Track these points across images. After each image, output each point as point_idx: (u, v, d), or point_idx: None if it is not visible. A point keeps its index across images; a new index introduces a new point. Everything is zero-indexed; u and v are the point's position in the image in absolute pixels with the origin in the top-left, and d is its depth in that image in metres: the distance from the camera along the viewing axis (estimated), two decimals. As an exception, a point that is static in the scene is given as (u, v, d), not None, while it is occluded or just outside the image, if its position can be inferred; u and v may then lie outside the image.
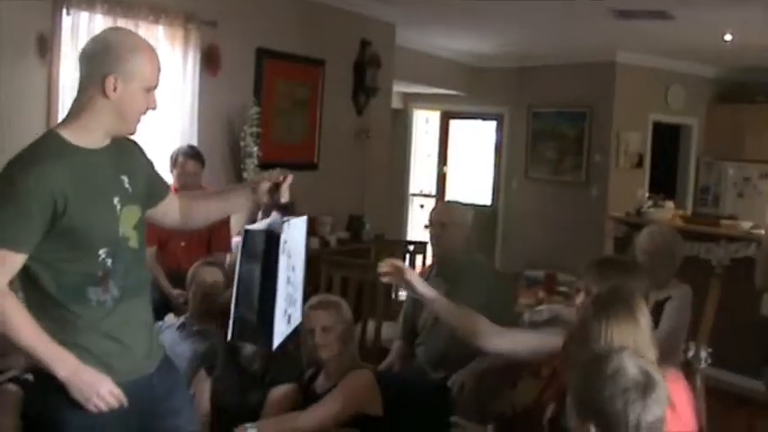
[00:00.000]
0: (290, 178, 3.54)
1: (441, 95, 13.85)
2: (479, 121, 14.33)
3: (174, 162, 6.56)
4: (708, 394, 6.14)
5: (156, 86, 3.16)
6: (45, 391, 3.07)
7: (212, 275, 5.13)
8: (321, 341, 4.37)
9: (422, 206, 14.72)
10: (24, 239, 2.91)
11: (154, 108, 3.19)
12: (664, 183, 12.62)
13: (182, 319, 5.21)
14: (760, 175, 12.23)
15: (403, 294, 7.26)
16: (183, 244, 6.49)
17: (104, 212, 3.09)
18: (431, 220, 5.43)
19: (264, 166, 7.96)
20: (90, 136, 3.08)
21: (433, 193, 14.63)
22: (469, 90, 13.57)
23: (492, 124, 13.95)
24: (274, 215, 3.25)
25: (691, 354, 5.89)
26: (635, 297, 3.37)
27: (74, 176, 2.98)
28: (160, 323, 5.14)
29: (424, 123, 14.88)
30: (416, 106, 14.62)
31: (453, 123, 14.66)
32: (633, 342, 3.22)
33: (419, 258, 8.18)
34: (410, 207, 14.73)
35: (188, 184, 6.49)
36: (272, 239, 3.08)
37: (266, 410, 4.39)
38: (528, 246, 12.22)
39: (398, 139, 13.71)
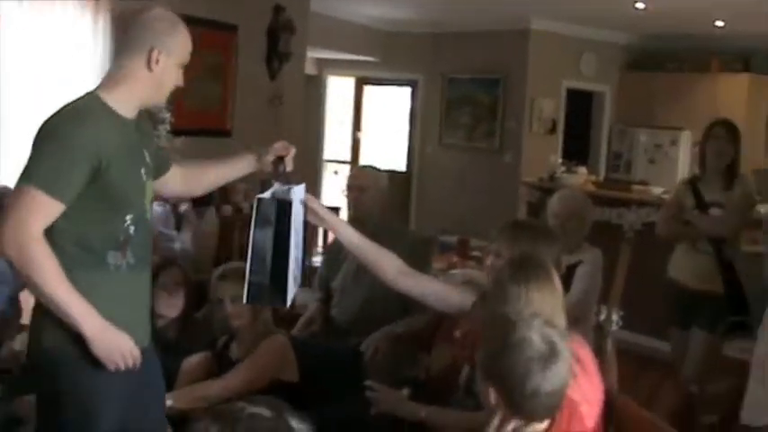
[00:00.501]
0: (293, 150, 3.65)
1: (355, 61, 13.76)
2: (394, 88, 14.27)
3: None
4: (618, 356, 6.22)
5: (185, 64, 3.32)
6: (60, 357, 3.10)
7: None
8: (232, 311, 4.33)
9: (336, 172, 14.68)
10: (67, 190, 2.96)
11: (181, 85, 3.33)
12: (577, 149, 12.71)
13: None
14: (671, 142, 12.37)
15: (316, 260, 7.23)
16: None
17: (136, 180, 3.19)
18: (348, 185, 5.38)
19: (177, 132, 7.88)
20: (126, 105, 3.17)
21: (348, 159, 14.58)
22: (384, 56, 13.51)
23: (407, 90, 13.91)
24: (276, 185, 3.46)
25: (602, 317, 5.94)
26: (548, 263, 3.39)
27: (116, 140, 3.07)
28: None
29: (339, 89, 14.78)
30: (331, 72, 14.53)
31: (368, 89, 14.59)
32: (550, 307, 3.24)
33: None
34: (324, 173, 14.66)
35: None
36: (283, 206, 3.30)
37: (180, 379, 4.33)
38: (442, 211, 12.23)
39: (313, 105, 13.65)
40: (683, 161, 12.18)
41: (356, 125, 14.65)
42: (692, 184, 5.85)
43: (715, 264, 5.61)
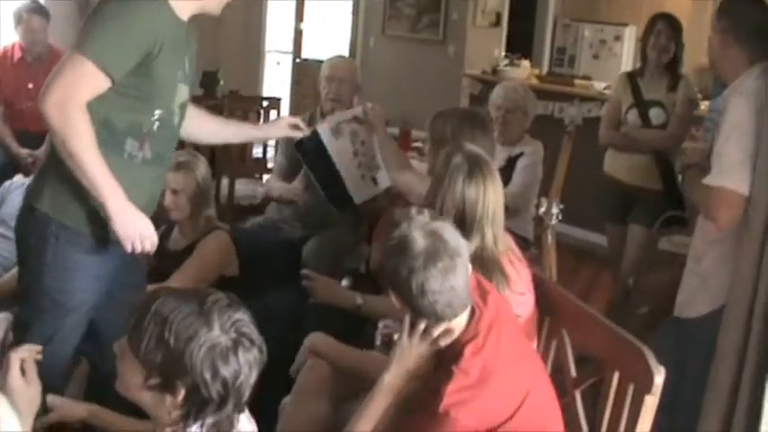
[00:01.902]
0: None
1: (298, -51, 13.51)
2: (337, -23, 14.07)
3: (19, 19, 6.28)
4: (558, 249, 6.28)
5: None
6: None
7: None
8: (171, 204, 4.29)
9: (278, 63, 14.52)
10: (119, 69, 3.00)
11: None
12: (521, 43, 12.62)
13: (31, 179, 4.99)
14: (615, 37, 12.36)
15: (257, 151, 7.16)
16: (30, 104, 6.23)
17: (174, 77, 3.23)
18: (328, 76, 5.34)
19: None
20: (185, 5, 3.21)
21: (290, 50, 14.40)
22: (328, -56, 13.29)
23: (350, -20, 13.73)
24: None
25: (542, 210, 5.99)
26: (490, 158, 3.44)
27: (170, 33, 3.12)
28: (8, 182, 4.98)
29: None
30: (274, -40, 14.27)
31: (311, -22, 14.36)
32: (500, 200, 3.33)
33: (273, 114, 8.05)
34: (266, 64, 14.48)
35: (35, 42, 6.27)
36: (314, 137, 4.66)
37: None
38: (385, 104, 12.05)
39: (254, -6, 13.42)
40: (627, 57, 12.17)
41: (298, 15, 14.43)
42: (632, 79, 5.80)
43: (652, 160, 5.62)
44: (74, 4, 7.72)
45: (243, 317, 2.19)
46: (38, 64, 6.27)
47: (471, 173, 3.26)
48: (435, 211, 2.95)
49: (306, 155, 4.89)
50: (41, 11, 6.34)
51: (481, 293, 2.79)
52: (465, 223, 3.21)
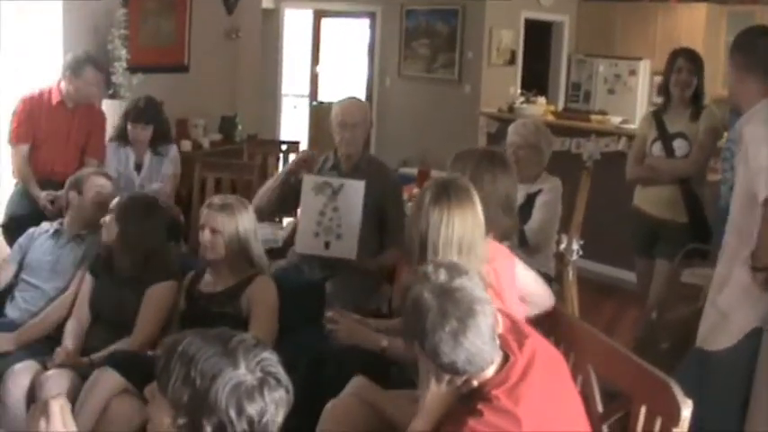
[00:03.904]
0: None
1: (312, -6, 13.63)
2: (352, 20, 14.15)
3: (77, 70, 6.26)
4: (579, 285, 6.27)
5: None
6: None
7: (108, 187, 4.96)
8: (207, 243, 4.30)
9: (295, 107, 14.62)
10: None
11: None
12: (536, 80, 12.70)
13: (55, 225, 5.02)
14: (629, 72, 12.40)
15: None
16: (61, 148, 6.30)
17: None
18: (341, 122, 5.27)
19: (134, 69, 7.78)
20: None
21: (306, 93, 14.49)
22: (342, -12, 13.40)
23: (365, 22, 13.79)
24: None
25: (563, 246, 5.99)
26: (469, 184, 3.40)
27: None
28: (32, 229, 5.01)
29: (296, 23, 14.62)
30: (288, 5, 14.36)
31: (325, 22, 14.45)
32: (471, 231, 3.27)
33: (292, 157, 8.10)
34: (283, 107, 14.57)
35: (88, 95, 6.33)
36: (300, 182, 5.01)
37: (143, 308, 4.35)
38: (402, 144, 12.20)
39: (270, 39, 13.50)
40: (642, 91, 12.22)
41: (314, 59, 14.53)
42: (657, 116, 5.84)
43: (679, 193, 5.63)
44: (94, 53, 7.82)
45: (269, 356, 2.20)
46: (76, 110, 6.30)
47: (437, 198, 3.26)
48: (456, 263, 2.91)
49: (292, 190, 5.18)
50: (98, 64, 6.39)
51: (517, 337, 2.78)
52: (427, 250, 3.22)
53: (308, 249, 5.09)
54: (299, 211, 5.26)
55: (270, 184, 5.45)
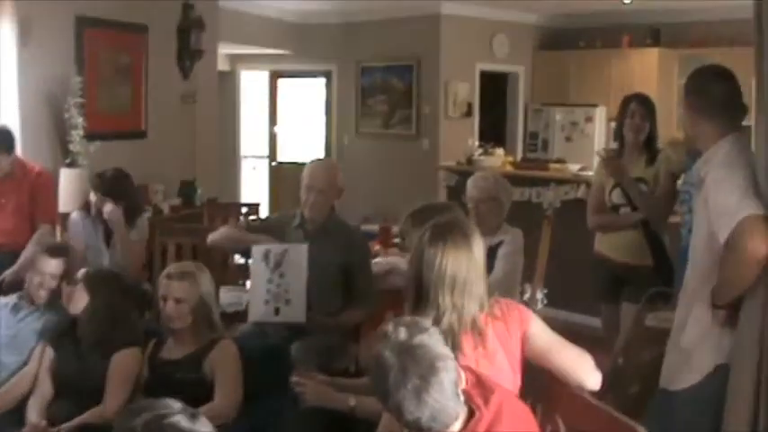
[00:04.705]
0: None
1: (268, 55, 13.65)
2: (308, 79, 14.20)
3: None
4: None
5: None
6: None
7: (57, 268, 4.87)
8: (173, 313, 4.28)
9: (254, 168, 14.61)
10: None
11: None
12: (494, 131, 12.80)
13: (14, 298, 4.98)
14: (586, 119, 12.49)
15: (238, 258, 7.18)
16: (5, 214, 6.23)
17: None
18: (308, 185, 5.26)
19: (91, 136, 7.77)
20: None
21: (265, 154, 14.49)
22: (296, 48, 13.42)
23: (321, 81, 13.87)
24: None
25: (527, 296, 5.99)
26: (471, 228, 3.39)
27: None
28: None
29: (253, 84, 14.66)
30: (244, 67, 14.42)
31: (282, 82, 14.48)
32: (466, 271, 3.24)
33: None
34: (242, 169, 14.57)
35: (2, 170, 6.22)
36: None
37: (110, 375, 4.31)
38: (363, 201, 12.18)
39: (227, 102, 13.54)
40: (599, 137, 12.31)
41: (272, 119, 14.55)
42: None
43: (642, 237, 5.65)
44: (50, 121, 7.79)
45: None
46: (9, 180, 6.21)
47: (432, 238, 3.25)
48: (422, 320, 2.88)
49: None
50: (7, 148, 6.29)
51: (482, 392, 2.76)
52: (422, 290, 3.22)
53: (259, 317, 5.09)
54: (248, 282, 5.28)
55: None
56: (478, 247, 3.32)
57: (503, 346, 3.31)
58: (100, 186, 6.13)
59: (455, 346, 3.13)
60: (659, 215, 5.69)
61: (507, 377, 3.29)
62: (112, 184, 6.13)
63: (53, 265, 4.85)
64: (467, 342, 3.20)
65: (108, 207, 5.96)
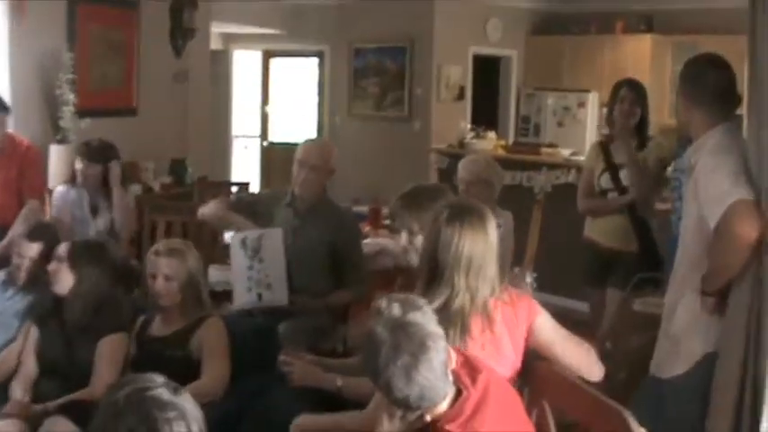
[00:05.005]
0: None
1: (261, 35, 13.59)
2: (301, 60, 14.20)
3: None
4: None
5: None
6: None
7: (36, 251, 4.85)
8: (162, 290, 4.28)
9: (246, 147, 14.60)
10: None
11: None
12: (486, 114, 12.77)
13: (2, 275, 4.98)
14: (578, 104, 12.49)
15: (228, 237, 7.18)
16: None
17: None
18: (300, 160, 5.26)
19: (82, 113, 7.75)
20: None
21: (257, 134, 14.47)
22: (289, 28, 13.36)
23: (314, 62, 13.84)
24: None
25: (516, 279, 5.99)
26: (487, 211, 3.40)
27: None
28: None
29: (245, 63, 14.62)
30: (236, 46, 14.37)
31: (274, 62, 14.46)
32: (482, 253, 3.26)
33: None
34: (234, 148, 14.56)
35: None
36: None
37: (98, 361, 4.28)
38: (354, 182, 12.16)
39: (219, 81, 13.49)
40: (591, 123, 12.31)
41: (264, 99, 14.53)
42: (603, 146, 5.89)
43: (629, 222, 5.67)
44: (41, 97, 7.76)
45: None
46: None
47: (449, 218, 3.26)
48: (416, 298, 2.89)
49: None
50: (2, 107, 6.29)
51: (470, 372, 2.77)
52: (437, 269, 3.23)
53: (243, 304, 5.13)
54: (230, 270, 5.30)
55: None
56: (493, 230, 3.34)
57: (509, 332, 3.33)
58: (86, 153, 6.14)
59: (464, 328, 3.18)
60: (648, 197, 5.70)
61: (509, 362, 3.33)
62: (99, 152, 6.19)
63: (33, 249, 4.84)
64: (475, 325, 3.22)
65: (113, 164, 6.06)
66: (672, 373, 3.83)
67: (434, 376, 2.59)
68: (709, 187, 3.60)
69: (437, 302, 3.14)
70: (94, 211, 6.21)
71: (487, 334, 3.24)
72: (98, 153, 6.18)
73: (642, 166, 5.65)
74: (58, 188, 6.35)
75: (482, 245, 3.26)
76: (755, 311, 3.42)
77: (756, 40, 3.49)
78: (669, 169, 5.92)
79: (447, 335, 2.79)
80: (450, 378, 2.68)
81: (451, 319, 3.15)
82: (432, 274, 3.26)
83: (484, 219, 3.32)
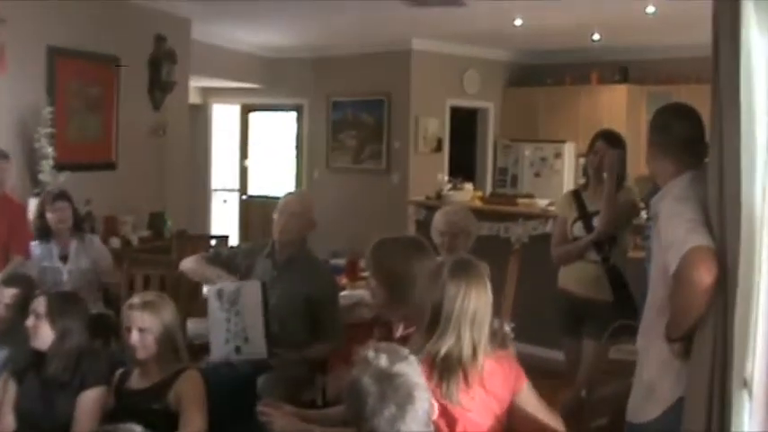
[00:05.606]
0: None
1: (239, 89, 13.71)
2: (279, 113, 14.27)
3: None
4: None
5: None
6: None
7: (11, 297, 4.90)
8: (137, 343, 4.26)
9: (225, 201, 14.62)
10: None
11: None
12: (463, 166, 12.84)
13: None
14: (555, 154, 12.59)
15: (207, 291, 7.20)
16: None
17: None
18: (280, 208, 5.38)
19: (61, 167, 7.76)
20: None
21: (236, 187, 14.51)
22: (268, 82, 13.47)
23: (292, 116, 13.93)
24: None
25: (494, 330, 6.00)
26: (485, 268, 3.49)
27: None
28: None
29: (224, 117, 14.68)
30: (215, 100, 14.46)
31: (253, 116, 14.53)
32: (484, 308, 3.34)
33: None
34: (213, 202, 14.58)
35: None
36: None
37: (78, 415, 4.25)
38: (332, 235, 12.14)
39: (198, 135, 13.56)
40: (568, 173, 12.40)
41: (243, 153, 14.57)
42: (576, 195, 5.94)
43: (602, 271, 5.70)
44: (20, 150, 7.78)
45: None
46: None
47: (454, 271, 3.33)
48: (401, 348, 2.92)
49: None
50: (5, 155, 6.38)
51: (448, 421, 2.81)
52: (441, 319, 3.28)
53: (221, 357, 5.11)
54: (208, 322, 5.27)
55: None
56: (488, 287, 3.42)
57: (497, 389, 3.39)
58: (49, 194, 6.37)
59: (464, 377, 3.23)
60: (611, 229, 5.72)
61: (493, 414, 3.36)
62: (61, 192, 6.44)
63: (7, 295, 4.89)
64: (472, 375, 3.27)
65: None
66: (646, 418, 3.84)
67: (418, 427, 2.62)
68: (668, 233, 3.64)
69: (443, 350, 3.21)
70: (64, 259, 6.27)
71: (478, 387, 3.29)
72: (60, 192, 6.44)
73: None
74: (33, 244, 6.40)
75: (484, 299, 3.35)
76: (719, 355, 3.44)
77: (718, 89, 3.53)
78: (644, 217, 5.97)
79: (446, 383, 2.84)
80: (432, 428, 2.71)
81: (453, 369, 3.21)
82: (435, 321, 3.30)
83: (483, 276, 3.42)
